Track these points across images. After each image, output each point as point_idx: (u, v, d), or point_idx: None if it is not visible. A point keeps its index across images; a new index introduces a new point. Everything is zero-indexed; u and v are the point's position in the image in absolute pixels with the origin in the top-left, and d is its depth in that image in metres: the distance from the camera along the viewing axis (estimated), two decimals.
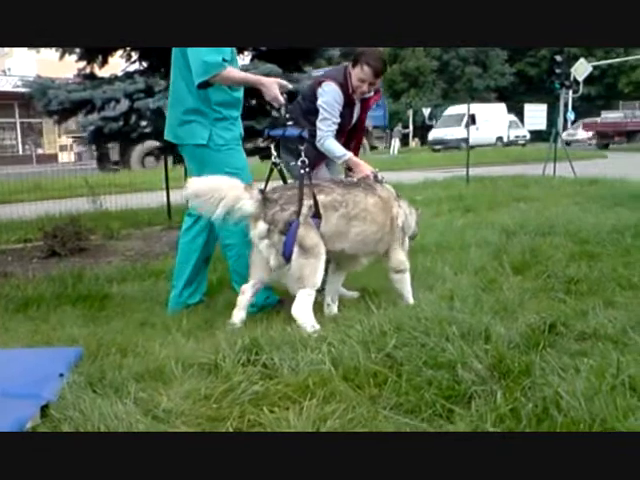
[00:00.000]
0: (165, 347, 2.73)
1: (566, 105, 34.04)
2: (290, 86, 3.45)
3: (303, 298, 2.94)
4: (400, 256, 3.35)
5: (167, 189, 7.01)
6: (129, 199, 8.15)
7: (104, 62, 6.03)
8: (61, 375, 2.38)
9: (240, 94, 3.51)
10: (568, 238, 4.74)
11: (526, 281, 3.53)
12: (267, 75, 4.79)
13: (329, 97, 3.57)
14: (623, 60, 43.08)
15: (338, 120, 3.60)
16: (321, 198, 3.03)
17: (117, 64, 6.13)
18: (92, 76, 6.09)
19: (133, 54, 5.95)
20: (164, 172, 6.92)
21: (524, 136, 32.24)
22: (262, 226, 2.94)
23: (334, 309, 3.33)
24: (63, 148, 30.12)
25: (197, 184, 2.91)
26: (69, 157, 29.67)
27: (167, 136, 3.51)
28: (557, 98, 19.92)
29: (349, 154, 3.60)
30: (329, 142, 3.57)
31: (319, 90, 3.61)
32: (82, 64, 6.12)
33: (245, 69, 4.90)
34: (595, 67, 34.90)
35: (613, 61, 42.98)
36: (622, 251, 4.31)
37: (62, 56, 5.84)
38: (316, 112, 3.60)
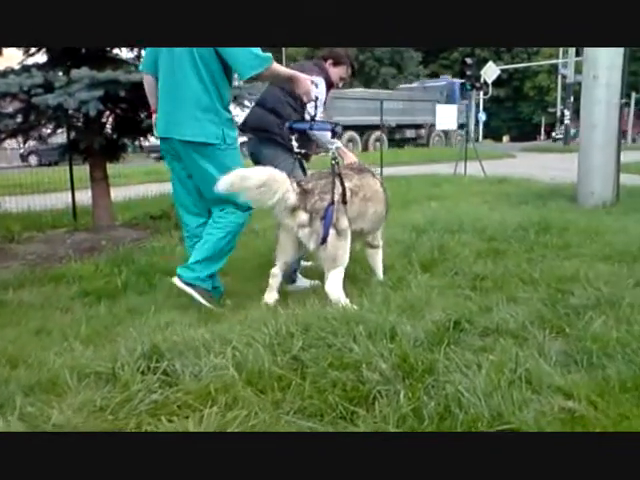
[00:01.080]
0: (60, 356, 2.57)
1: (477, 106, 35.31)
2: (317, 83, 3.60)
3: (336, 276, 3.23)
4: (379, 233, 3.78)
5: (72, 190, 6.70)
6: (32, 200, 7.74)
7: None
8: None
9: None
10: (476, 235, 4.86)
11: (434, 278, 3.57)
12: None
13: (322, 90, 3.79)
14: (527, 65, 45.25)
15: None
16: (346, 185, 3.33)
17: (14, 56, 5.76)
18: None
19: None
20: (69, 172, 6.61)
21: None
22: (304, 215, 3.18)
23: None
24: None
25: (259, 175, 3.03)
26: None
27: (169, 133, 3.45)
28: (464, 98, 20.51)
29: (338, 142, 3.83)
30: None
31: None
32: None
33: None
34: (503, 70, 36.37)
35: (518, 66, 45.07)
36: (526, 247, 4.45)
37: None
38: (296, 102, 3.78)
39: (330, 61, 4.01)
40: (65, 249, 5.40)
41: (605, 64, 7.00)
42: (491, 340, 2.57)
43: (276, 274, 3.39)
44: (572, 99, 29.33)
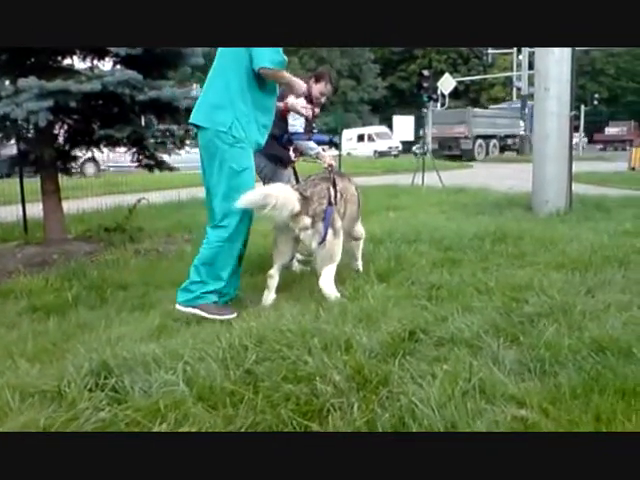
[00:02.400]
0: (3, 375, 2.47)
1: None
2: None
3: (329, 272, 3.54)
4: (360, 227, 4.23)
5: (23, 202, 6.51)
6: None
7: None
8: None
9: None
10: (433, 245, 4.88)
11: (390, 288, 3.56)
12: (126, 81, 4.62)
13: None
14: (483, 77, 46.20)
15: None
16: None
17: None
18: None
19: None
20: (19, 184, 6.42)
21: (397, 147, 33.44)
22: (307, 220, 3.49)
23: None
24: None
25: (277, 193, 3.33)
26: None
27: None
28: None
29: (319, 148, 4.53)
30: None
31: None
32: None
33: (103, 75, 4.66)
34: (459, 82, 37.01)
35: (474, 78, 45.97)
36: (482, 257, 4.49)
37: None
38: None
39: (312, 78, 4.61)
40: (15, 263, 5.23)
41: (555, 77, 7.17)
42: (446, 350, 2.57)
43: (273, 275, 3.63)
44: (526, 111, 30.09)
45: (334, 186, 3.70)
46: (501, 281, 3.64)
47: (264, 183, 4.35)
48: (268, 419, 1.97)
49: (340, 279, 3.83)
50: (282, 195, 3.35)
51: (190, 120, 3.63)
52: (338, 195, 3.71)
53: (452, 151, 29.57)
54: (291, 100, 4.07)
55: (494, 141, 32.52)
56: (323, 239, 3.51)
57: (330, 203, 3.60)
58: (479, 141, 31.08)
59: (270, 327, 2.76)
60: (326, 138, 4.29)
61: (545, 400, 2.03)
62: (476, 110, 33.22)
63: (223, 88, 3.48)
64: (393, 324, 2.80)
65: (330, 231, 3.55)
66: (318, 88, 4.57)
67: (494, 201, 8.57)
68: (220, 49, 3.55)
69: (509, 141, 34.65)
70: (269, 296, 3.60)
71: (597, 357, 2.38)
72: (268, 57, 3.39)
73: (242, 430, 1.94)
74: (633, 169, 17.64)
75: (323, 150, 4.61)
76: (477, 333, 2.70)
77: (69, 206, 7.13)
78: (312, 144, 4.44)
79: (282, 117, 4.28)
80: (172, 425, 1.96)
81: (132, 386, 2.22)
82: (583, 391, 2.08)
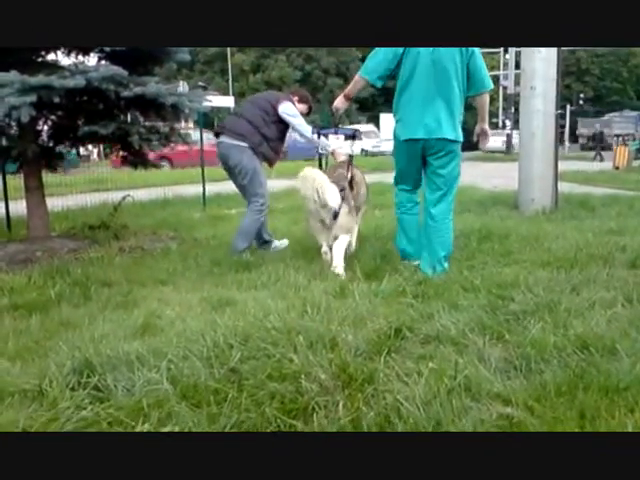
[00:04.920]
0: None
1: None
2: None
3: (343, 240, 4.17)
4: (361, 212, 4.85)
5: (6, 199, 6.43)
6: None
7: None
8: None
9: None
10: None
11: (376, 286, 3.56)
12: (111, 77, 4.57)
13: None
14: None
15: None
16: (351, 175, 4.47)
17: None
18: None
19: None
20: (2, 181, 6.33)
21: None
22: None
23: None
24: None
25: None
26: None
27: (434, 134, 3.94)
28: None
29: (333, 146, 5.03)
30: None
31: (287, 107, 4.91)
32: None
33: (87, 70, 4.60)
34: None
35: None
36: (468, 255, 4.50)
37: None
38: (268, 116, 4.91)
39: (297, 98, 5.11)
40: None
41: (541, 76, 7.20)
42: (432, 347, 2.57)
43: (326, 251, 4.26)
44: (513, 109, 30.19)
45: (351, 174, 4.43)
46: (487, 279, 3.65)
47: (244, 178, 4.88)
48: (252, 417, 1.95)
49: (327, 277, 3.83)
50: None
51: (430, 135, 3.93)
52: (350, 178, 4.40)
53: None
54: (293, 110, 4.93)
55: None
56: (337, 213, 4.07)
57: (343, 189, 4.18)
58: None
59: (255, 325, 2.75)
60: (350, 131, 4.77)
61: (530, 398, 2.03)
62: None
63: (458, 102, 4.07)
64: (379, 322, 2.80)
65: (345, 207, 4.12)
66: (300, 108, 5.07)
67: (480, 199, 8.58)
68: (446, 57, 3.87)
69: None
70: (328, 264, 4.14)
71: (582, 354, 2.39)
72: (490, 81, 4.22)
73: (226, 429, 1.92)
74: (617, 168, 17.78)
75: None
76: (463, 331, 2.70)
77: (53, 203, 7.05)
78: (327, 143, 4.96)
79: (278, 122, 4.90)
80: (155, 424, 1.94)
81: (115, 385, 2.20)
82: (568, 388, 2.08)
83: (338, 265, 4.03)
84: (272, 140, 4.91)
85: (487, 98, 4.24)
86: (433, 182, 4.07)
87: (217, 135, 4.99)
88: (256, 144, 4.81)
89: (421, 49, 3.82)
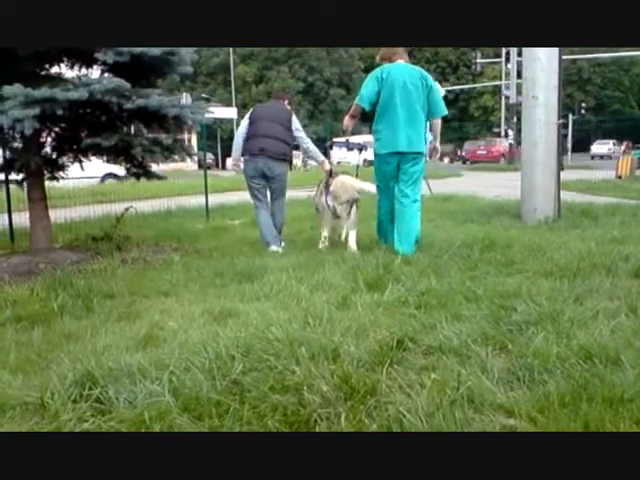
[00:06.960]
0: None
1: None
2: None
3: (355, 234, 5.58)
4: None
5: (9, 211, 6.44)
6: None
7: None
8: None
9: None
10: (421, 253, 4.88)
11: (379, 297, 3.55)
12: (114, 89, 4.59)
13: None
14: (472, 86, 46.50)
15: None
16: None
17: None
18: None
19: None
20: (5, 192, 6.34)
21: None
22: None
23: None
24: None
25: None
26: None
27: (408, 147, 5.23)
28: None
29: (323, 157, 6.20)
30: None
31: (296, 122, 6.06)
32: None
33: (90, 83, 4.62)
34: (449, 91, 37.16)
35: (464, 87, 46.26)
36: (470, 264, 4.48)
37: None
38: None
39: (287, 101, 6.28)
40: (0, 273, 5.17)
41: (543, 85, 7.21)
42: (434, 359, 2.56)
43: (327, 236, 5.71)
44: (515, 119, 30.23)
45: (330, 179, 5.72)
46: (490, 289, 3.64)
47: (280, 183, 6.00)
48: (255, 430, 1.95)
49: (329, 288, 3.82)
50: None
51: (404, 148, 5.20)
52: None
53: None
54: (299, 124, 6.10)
55: None
56: (349, 212, 5.52)
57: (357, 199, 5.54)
58: None
59: (257, 336, 2.74)
60: (359, 145, 6.09)
61: (534, 409, 2.02)
62: None
63: (422, 121, 5.34)
64: (381, 332, 2.79)
65: (354, 207, 5.53)
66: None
67: (482, 209, 8.58)
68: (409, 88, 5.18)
69: None
70: (325, 246, 5.65)
71: (585, 365, 2.37)
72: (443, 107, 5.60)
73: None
74: (620, 177, 17.76)
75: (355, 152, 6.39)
76: (465, 341, 2.69)
77: (57, 215, 7.06)
78: (319, 154, 6.16)
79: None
80: None
81: (117, 397, 2.20)
82: (571, 399, 2.07)
83: (352, 245, 5.49)
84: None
85: (439, 122, 5.54)
86: (406, 177, 5.27)
87: (253, 155, 5.81)
88: (289, 155, 6.03)
89: (395, 82, 5.12)
